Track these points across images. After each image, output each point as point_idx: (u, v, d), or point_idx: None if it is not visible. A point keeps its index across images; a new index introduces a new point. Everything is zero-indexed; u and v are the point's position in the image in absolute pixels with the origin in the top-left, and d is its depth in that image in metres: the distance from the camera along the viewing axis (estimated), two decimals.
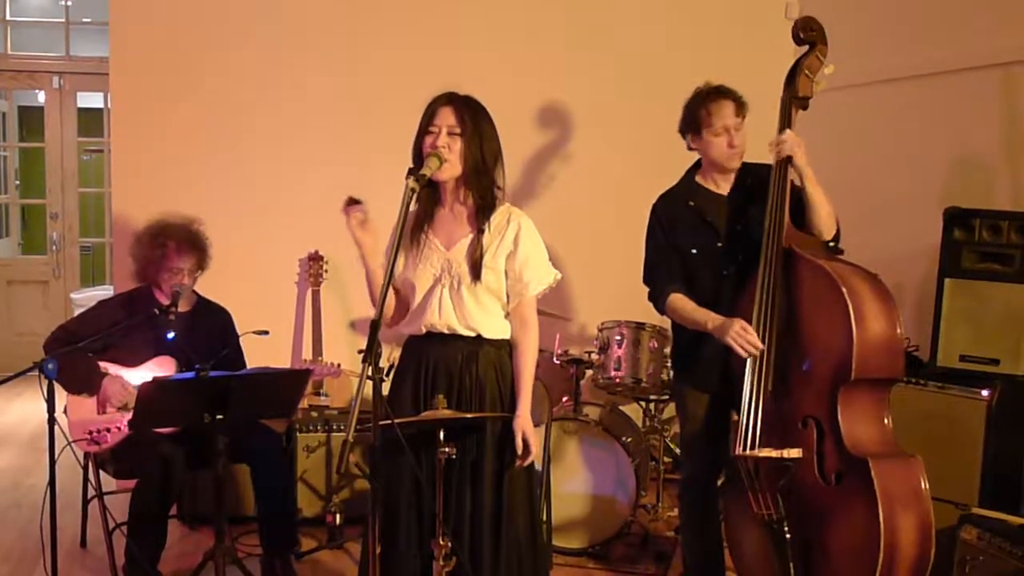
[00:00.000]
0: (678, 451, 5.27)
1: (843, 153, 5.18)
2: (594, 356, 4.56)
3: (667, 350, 4.55)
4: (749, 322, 3.22)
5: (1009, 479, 3.89)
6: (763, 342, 3.20)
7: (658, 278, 3.59)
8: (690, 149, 3.57)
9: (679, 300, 3.47)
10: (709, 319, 3.33)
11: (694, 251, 3.51)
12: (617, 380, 4.48)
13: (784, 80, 3.45)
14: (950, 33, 4.58)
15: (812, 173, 3.34)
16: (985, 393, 3.79)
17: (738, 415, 3.30)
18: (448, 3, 5.39)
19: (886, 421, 3.17)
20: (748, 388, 3.23)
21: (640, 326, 4.50)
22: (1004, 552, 3.20)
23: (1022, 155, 4.19)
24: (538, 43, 5.46)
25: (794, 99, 3.41)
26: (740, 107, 3.46)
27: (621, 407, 4.84)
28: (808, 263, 3.21)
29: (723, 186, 3.54)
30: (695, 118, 3.47)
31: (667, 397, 4.67)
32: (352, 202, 2.88)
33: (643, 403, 4.89)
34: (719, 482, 3.66)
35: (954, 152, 4.51)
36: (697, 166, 3.62)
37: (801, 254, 3.24)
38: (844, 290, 3.07)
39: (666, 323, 4.75)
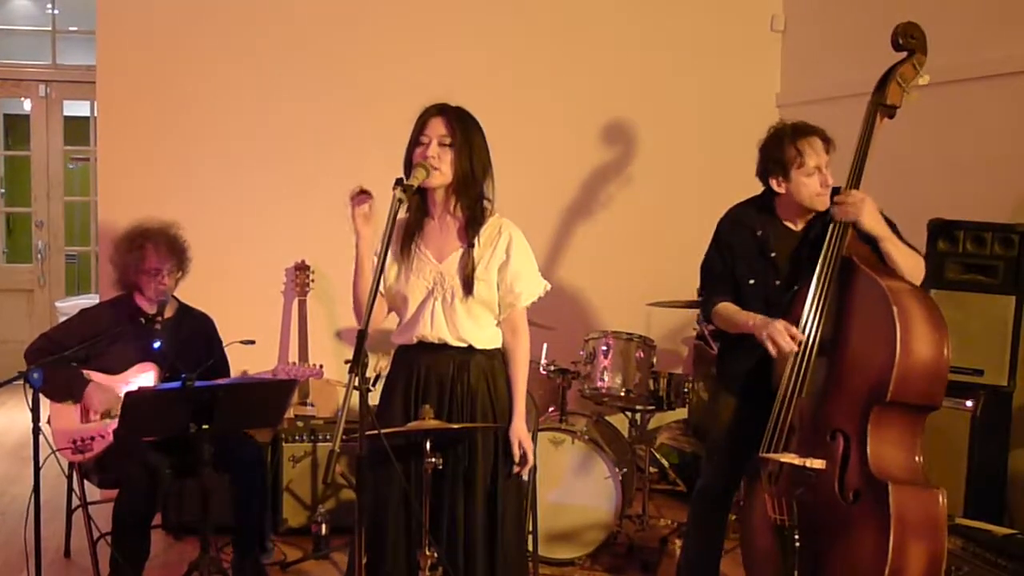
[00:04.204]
0: (665, 462, 5.30)
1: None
2: (580, 366, 4.57)
3: (655, 360, 4.57)
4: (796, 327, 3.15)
5: (993, 489, 3.91)
6: (805, 346, 3.12)
7: (710, 290, 3.53)
8: (772, 193, 3.37)
9: (724, 307, 3.42)
10: (751, 318, 3.26)
11: (751, 282, 3.40)
12: (603, 390, 4.49)
13: (875, 84, 3.27)
14: (935, 46, 4.60)
15: (886, 232, 3.16)
16: (969, 403, 3.81)
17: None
18: (438, 17, 5.40)
19: (915, 447, 3.07)
20: (782, 391, 3.17)
21: (627, 336, 4.51)
22: (989, 562, 3.21)
23: (1006, 166, 4.21)
24: (528, 55, 5.49)
25: (881, 106, 3.22)
26: (828, 143, 3.30)
27: (607, 417, 4.85)
28: (864, 275, 3.10)
29: (799, 223, 3.37)
30: (782, 158, 3.26)
31: (653, 408, 4.67)
32: (362, 192, 2.89)
33: (629, 413, 4.90)
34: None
35: (939, 163, 4.54)
36: (771, 195, 3.41)
37: (859, 265, 3.13)
38: (895, 309, 2.96)
39: (652, 333, 4.79)
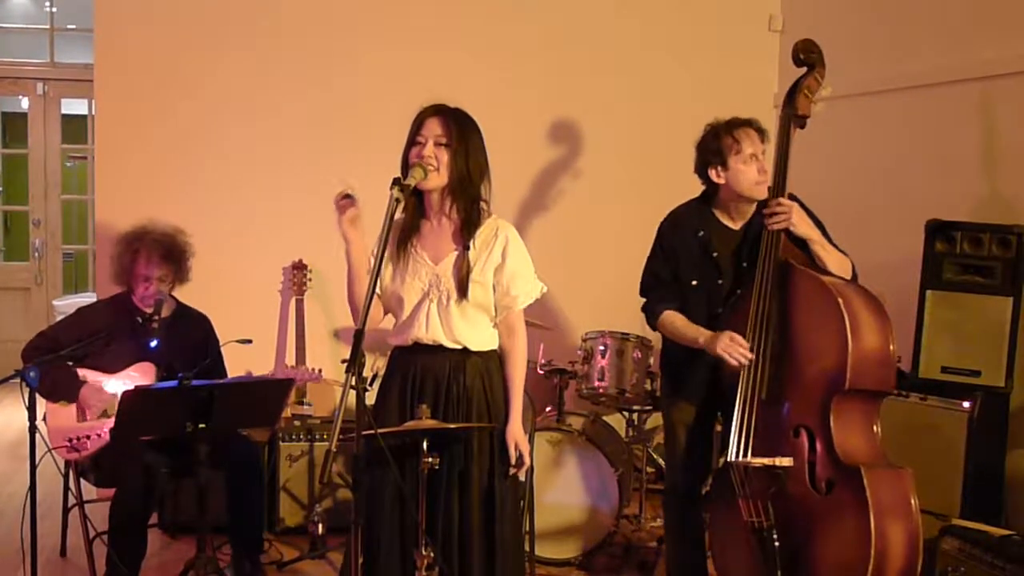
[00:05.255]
0: (662, 461, 5.29)
1: (826, 165, 5.21)
2: (578, 366, 4.56)
3: (652, 360, 4.56)
4: (742, 334, 3.23)
5: (990, 490, 3.91)
6: (757, 351, 3.21)
7: (653, 296, 3.59)
8: (710, 185, 3.45)
9: (671, 316, 3.47)
10: (700, 334, 3.34)
11: (694, 283, 3.47)
12: (601, 390, 4.48)
13: (784, 98, 3.42)
14: (932, 46, 4.61)
15: (816, 234, 3.30)
16: (966, 404, 3.81)
17: (725, 426, 3.30)
18: (435, 16, 5.39)
19: (876, 432, 3.18)
20: (741, 396, 3.23)
21: (624, 336, 4.50)
22: (985, 563, 3.21)
23: (1003, 168, 4.21)
24: (527, 56, 5.47)
25: (793, 117, 3.36)
26: (762, 134, 3.41)
27: (604, 417, 4.85)
28: (804, 275, 3.22)
29: (738, 220, 3.46)
30: (720, 148, 3.37)
31: (650, 407, 4.67)
32: (346, 197, 2.88)
33: (626, 413, 4.90)
34: (703, 491, 3.65)
35: (936, 164, 4.54)
36: (711, 193, 3.50)
37: (797, 266, 3.25)
38: (840, 301, 3.09)
39: (649, 334, 4.78)
